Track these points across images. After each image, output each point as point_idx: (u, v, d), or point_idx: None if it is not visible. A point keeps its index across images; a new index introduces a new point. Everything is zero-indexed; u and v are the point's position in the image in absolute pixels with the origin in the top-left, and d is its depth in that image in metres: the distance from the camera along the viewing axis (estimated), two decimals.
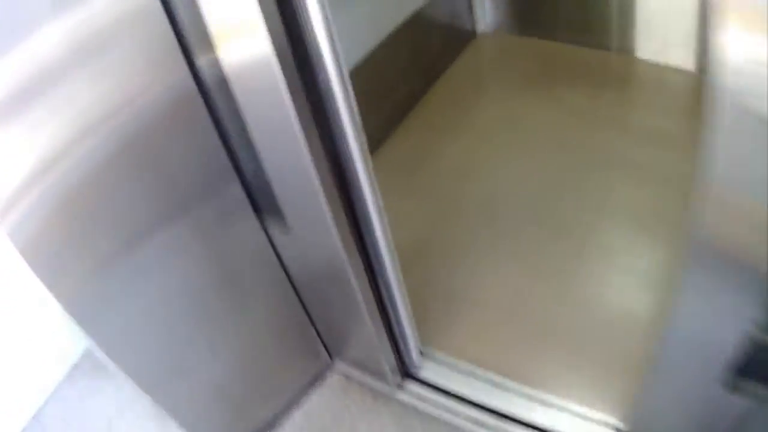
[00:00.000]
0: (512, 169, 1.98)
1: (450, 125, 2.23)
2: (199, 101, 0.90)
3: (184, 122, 0.90)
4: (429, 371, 1.43)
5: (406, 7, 2.22)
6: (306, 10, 0.77)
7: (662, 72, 2.35)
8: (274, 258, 1.18)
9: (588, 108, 2.21)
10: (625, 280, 1.58)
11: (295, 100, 0.82)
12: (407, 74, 2.32)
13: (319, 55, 0.81)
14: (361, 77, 1.95)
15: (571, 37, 2.57)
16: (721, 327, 0.77)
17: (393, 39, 2.13)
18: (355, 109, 0.90)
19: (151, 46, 0.81)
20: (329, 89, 0.85)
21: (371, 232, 1.08)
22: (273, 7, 0.75)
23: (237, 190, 1.04)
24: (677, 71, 2.31)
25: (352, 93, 0.88)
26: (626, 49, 2.45)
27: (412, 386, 1.43)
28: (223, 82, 0.85)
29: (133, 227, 0.91)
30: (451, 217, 1.85)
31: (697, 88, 2.22)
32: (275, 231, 1.11)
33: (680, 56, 2.30)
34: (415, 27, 2.25)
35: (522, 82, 2.43)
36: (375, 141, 2.16)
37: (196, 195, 0.98)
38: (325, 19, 0.78)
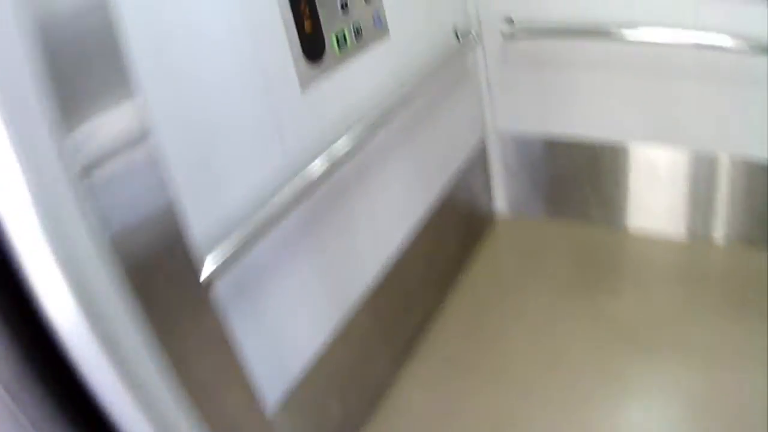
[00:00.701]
0: (555, 423, 1.61)
1: (474, 355, 1.86)
2: None
3: None
4: None
5: (418, 208, 1.87)
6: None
7: (707, 253, 2.08)
8: None
9: (634, 319, 1.87)
10: None
11: None
12: (421, 289, 1.94)
13: None
14: (366, 313, 1.65)
15: (595, 217, 2.27)
16: None
17: (404, 254, 1.80)
18: None
19: None
20: None
21: None
22: None
23: None
24: (725, 252, 2.07)
25: None
26: (655, 228, 2.20)
27: None
28: None
29: None
30: None
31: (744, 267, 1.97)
32: None
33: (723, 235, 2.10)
34: (427, 230, 1.91)
35: (551, 285, 2.08)
36: (381, 382, 1.78)
37: None
38: None
